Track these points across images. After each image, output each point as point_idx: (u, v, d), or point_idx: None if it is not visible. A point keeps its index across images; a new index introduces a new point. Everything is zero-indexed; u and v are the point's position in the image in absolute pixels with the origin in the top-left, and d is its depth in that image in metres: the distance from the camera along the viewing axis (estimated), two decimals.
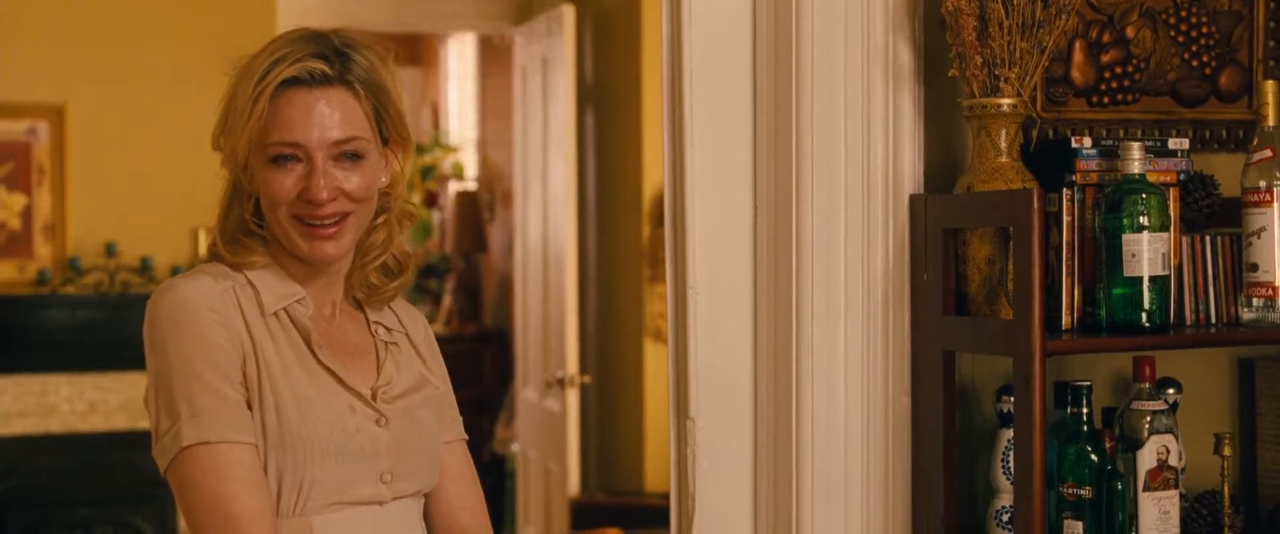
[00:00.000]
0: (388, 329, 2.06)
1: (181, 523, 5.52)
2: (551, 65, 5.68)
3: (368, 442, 1.93)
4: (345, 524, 1.92)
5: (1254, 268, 2.46)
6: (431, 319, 7.50)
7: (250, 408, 1.87)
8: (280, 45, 1.90)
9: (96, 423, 5.58)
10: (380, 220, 2.01)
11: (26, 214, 5.68)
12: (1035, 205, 2.23)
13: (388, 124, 1.96)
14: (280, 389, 1.88)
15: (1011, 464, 2.37)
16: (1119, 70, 2.64)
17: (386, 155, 1.98)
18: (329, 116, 1.88)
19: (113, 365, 5.52)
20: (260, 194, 1.92)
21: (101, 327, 5.55)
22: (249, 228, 1.95)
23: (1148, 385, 2.46)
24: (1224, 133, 2.71)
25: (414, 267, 2.11)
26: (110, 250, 5.68)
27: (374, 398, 1.96)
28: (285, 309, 1.94)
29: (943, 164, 2.56)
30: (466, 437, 2.16)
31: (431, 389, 2.07)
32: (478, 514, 2.13)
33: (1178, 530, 2.43)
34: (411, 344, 2.09)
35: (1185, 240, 2.50)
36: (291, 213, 1.90)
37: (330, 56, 1.90)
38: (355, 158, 1.91)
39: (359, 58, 1.92)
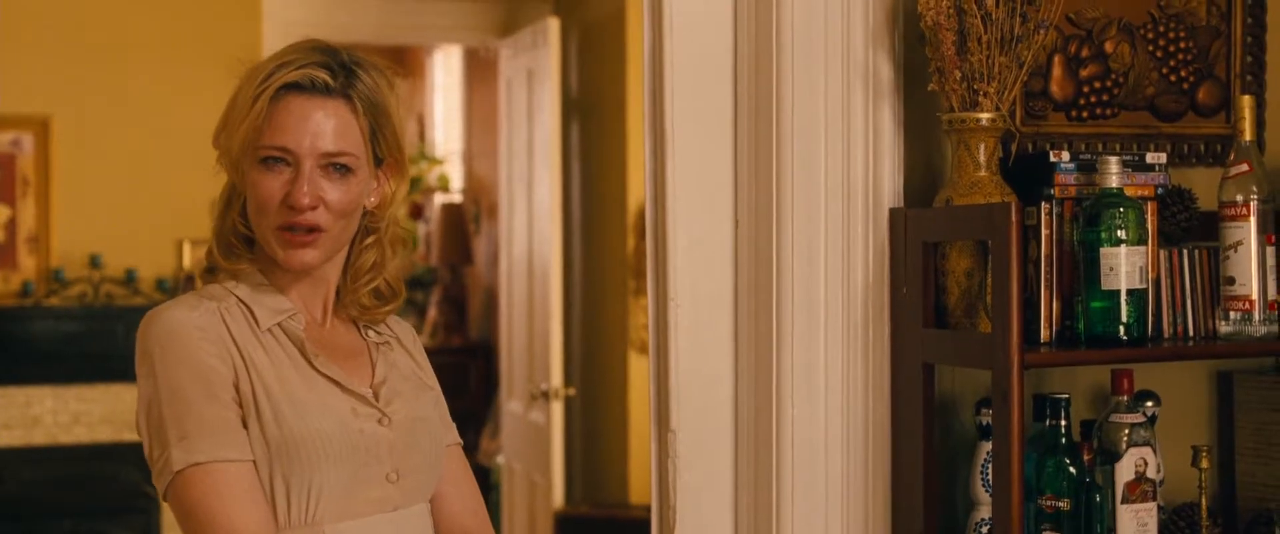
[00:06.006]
0: (378, 333, 2.09)
1: None
2: (537, 77, 5.69)
3: (371, 441, 1.94)
4: (360, 532, 1.92)
5: (1231, 281, 2.47)
6: (417, 331, 7.49)
7: (247, 424, 1.88)
8: (289, 51, 1.95)
9: (80, 434, 5.57)
10: (369, 241, 2.03)
11: (11, 226, 5.68)
12: (1013, 219, 2.24)
13: (383, 145, 1.98)
14: (277, 398, 1.89)
15: (991, 476, 2.38)
16: (1097, 85, 2.65)
17: (379, 176, 2.00)
18: (323, 126, 1.91)
19: (96, 377, 5.52)
20: (248, 195, 1.94)
21: (85, 338, 5.54)
22: (239, 232, 1.98)
23: (1126, 398, 2.47)
24: (1202, 147, 2.72)
25: (404, 288, 2.13)
26: (94, 262, 5.68)
27: (376, 397, 1.98)
28: (279, 324, 1.95)
29: (922, 177, 2.57)
30: (461, 441, 2.18)
31: (429, 391, 2.10)
32: (478, 515, 2.14)
33: None
34: (402, 347, 2.12)
35: (1163, 254, 2.51)
36: (275, 223, 1.92)
37: (335, 69, 1.93)
38: (343, 170, 1.93)
39: (365, 76, 1.96)
